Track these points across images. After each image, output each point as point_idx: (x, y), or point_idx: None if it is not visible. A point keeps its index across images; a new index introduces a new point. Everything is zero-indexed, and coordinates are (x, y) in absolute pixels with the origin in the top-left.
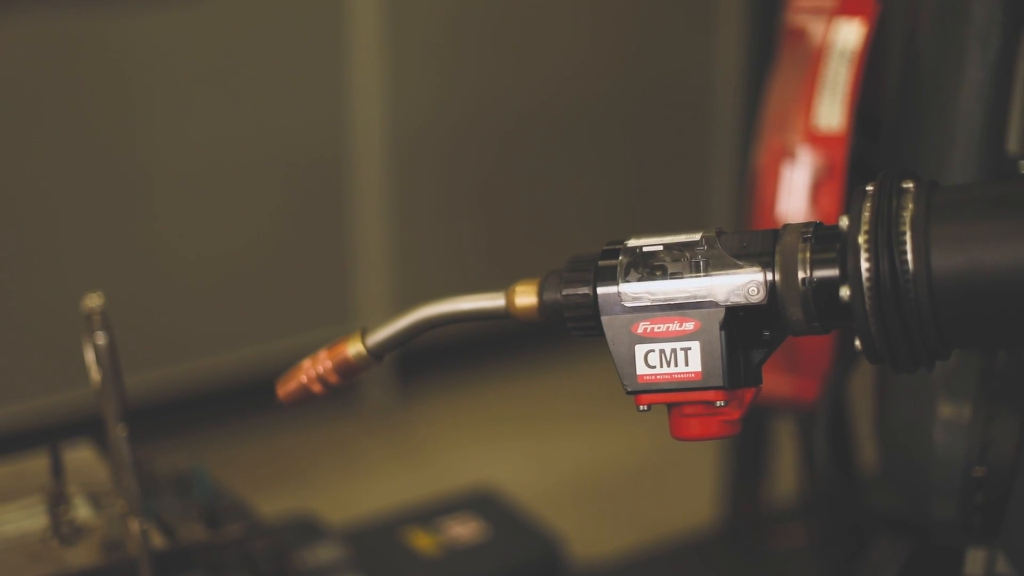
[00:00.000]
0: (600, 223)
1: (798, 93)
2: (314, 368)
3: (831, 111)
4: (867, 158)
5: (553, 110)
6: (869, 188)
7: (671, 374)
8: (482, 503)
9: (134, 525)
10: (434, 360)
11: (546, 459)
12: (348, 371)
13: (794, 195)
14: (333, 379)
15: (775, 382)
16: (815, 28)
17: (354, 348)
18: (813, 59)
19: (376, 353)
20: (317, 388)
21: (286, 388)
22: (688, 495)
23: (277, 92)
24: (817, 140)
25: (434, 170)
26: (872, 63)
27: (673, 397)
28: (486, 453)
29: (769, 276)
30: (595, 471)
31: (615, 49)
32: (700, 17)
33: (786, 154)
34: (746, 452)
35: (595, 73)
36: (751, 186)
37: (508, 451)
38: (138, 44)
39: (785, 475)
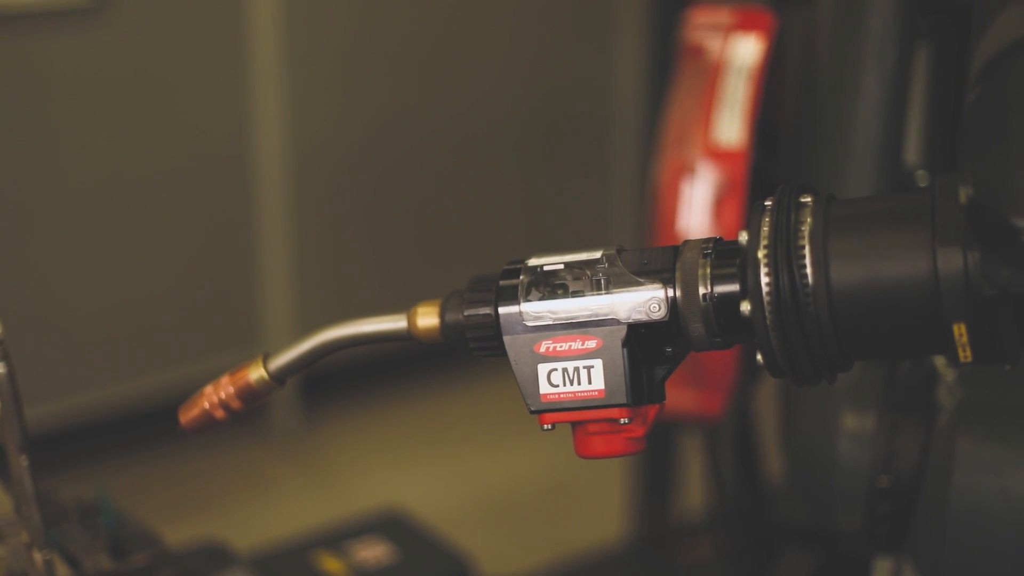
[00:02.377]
0: (502, 243)
1: (697, 109)
2: (216, 394)
3: (731, 126)
4: (768, 172)
5: (456, 129)
6: (767, 203)
7: (574, 392)
8: (391, 525)
9: (37, 556)
10: (340, 382)
11: (455, 479)
12: (251, 396)
13: (695, 210)
14: (236, 405)
15: (680, 397)
16: (712, 44)
17: (256, 373)
18: (711, 75)
19: (278, 378)
20: (220, 414)
21: (188, 415)
22: (597, 511)
23: (178, 116)
24: (717, 155)
25: (338, 194)
26: (771, 78)
27: (577, 415)
28: (394, 474)
29: (670, 292)
30: (504, 490)
31: (514, 68)
32: (600, 36)
33: (686, 170)
34: (654, 467)
35: (494, 91)
36: (652, 202)
37: (416, 472)
38: (34, 67)
39: (693, 489)
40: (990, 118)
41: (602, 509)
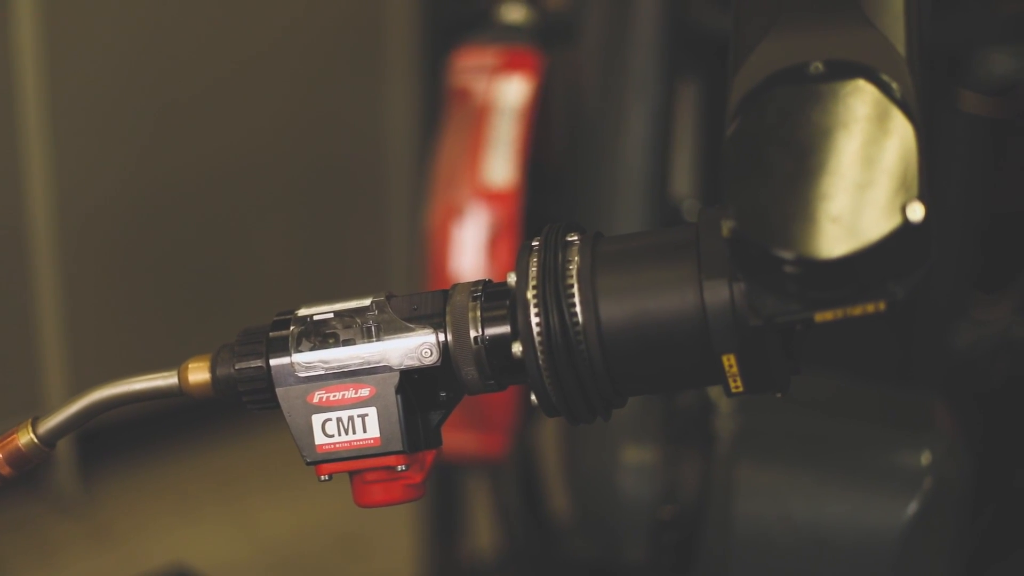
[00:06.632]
0: (276, 293)
1: (466, 151)
2: None
3: (500, 167)
4: (541, 212)
5: (224, 179)
6: (535, 243)
7: (350, 442)
8: None
9: None
10: (120, 438)
11: (241, 532)
12: (20, 461)
13: (467, 253)
14: (5, 471)
15: (462, 440)
16: (478, 86)
17: (25, 437)
18: (478, 117)
19: (48, 441)
20: None
21: None
22: (387, 558)
23: None
24: (488, 196)
25: (109, 251)
26: (541, 117)
27: (353, 465)
28: (180, 530)
29: (441, 337)
30: (292, 541)
31: (283, 116)
32: (369, 81)
33: (456, 212)
34: (441, 511)
35: (263, 139)
36: (424, 247)
37: (202, 526)
38: None
39: (481, 530)
40: (748, 151)
41: (392, 555)
